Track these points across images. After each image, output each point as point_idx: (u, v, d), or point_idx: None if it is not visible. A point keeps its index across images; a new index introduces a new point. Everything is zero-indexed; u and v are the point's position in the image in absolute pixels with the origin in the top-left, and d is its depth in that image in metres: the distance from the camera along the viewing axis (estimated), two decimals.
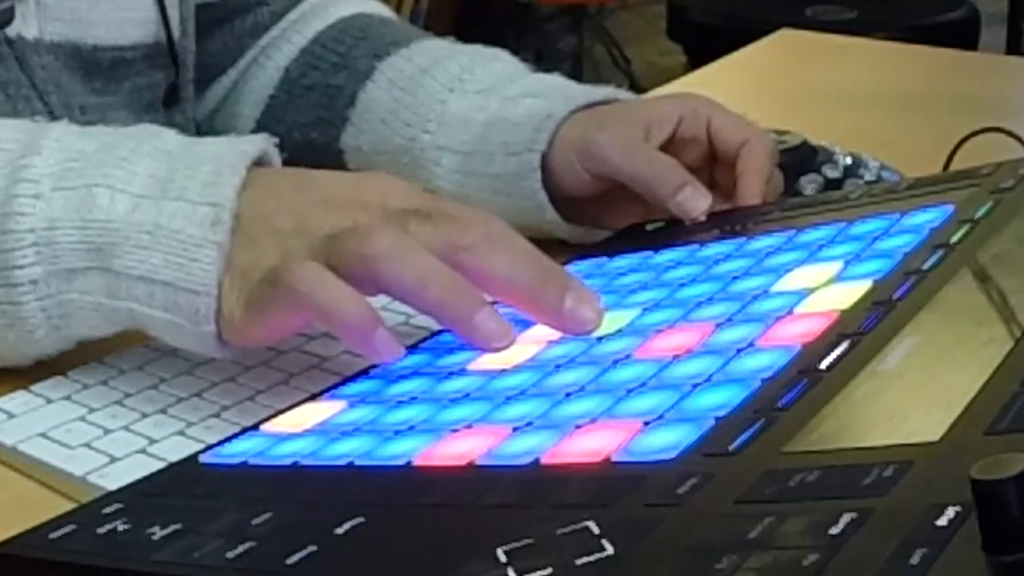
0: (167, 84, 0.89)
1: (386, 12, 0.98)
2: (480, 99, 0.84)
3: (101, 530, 0.49)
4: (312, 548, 0.43)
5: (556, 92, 0.83)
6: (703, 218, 0.76)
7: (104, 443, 0.60)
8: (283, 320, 0.60)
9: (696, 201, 0.76)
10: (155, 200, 0.62)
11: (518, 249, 0.61)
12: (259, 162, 0.64)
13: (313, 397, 0.61)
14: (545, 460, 0.47)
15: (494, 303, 0.61)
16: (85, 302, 0.63)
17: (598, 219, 0.82)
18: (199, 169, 0.62)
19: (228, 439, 0.58)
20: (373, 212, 0.60)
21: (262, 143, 0.65)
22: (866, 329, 0.51)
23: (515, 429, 0.50)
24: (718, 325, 0.56)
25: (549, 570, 0.38)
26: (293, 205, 0.61)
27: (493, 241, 0.60)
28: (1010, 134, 0.88)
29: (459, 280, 0.59)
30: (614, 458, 0.46)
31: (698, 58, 2.23)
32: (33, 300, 0.63)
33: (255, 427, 0.58)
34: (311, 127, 0.90)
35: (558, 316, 0.60)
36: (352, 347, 0.59)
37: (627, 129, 0.79)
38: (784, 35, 1.41)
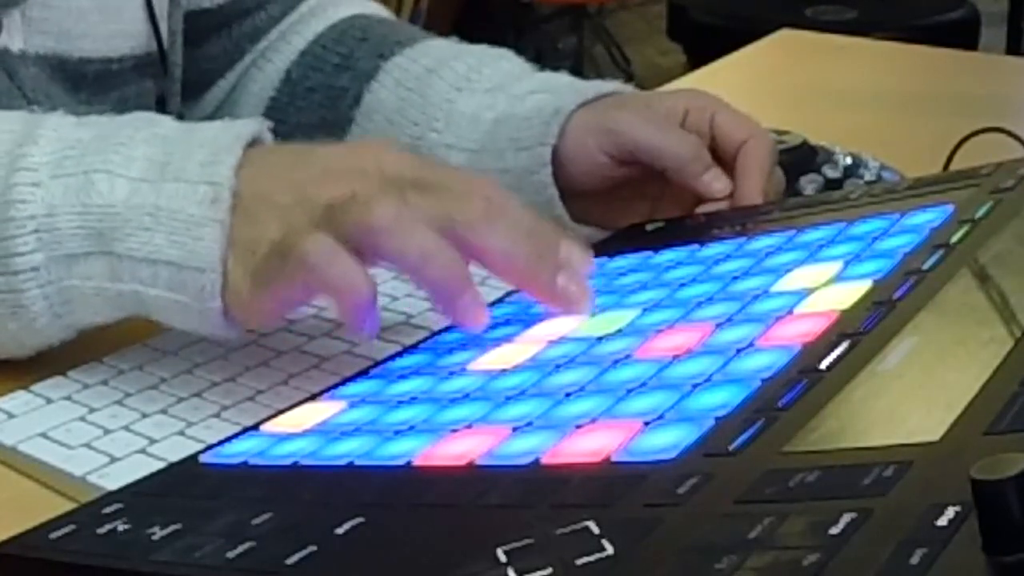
0: (159, 94, 0.89)
1: (384, 12, 0.98)
2: (488, 98, 0.84)
3: (101, 530, 0.49)
4: (312, 548, 0.43)
5: (565, 88, 0.84)
6: (724, 193, 0.77)
7: (104, 443, 0.60)
8: (291, 293, 0.60)
9: (722, 181, 0.78)
10: (153, 183, 0.62)
11: (516, 222, 0.62)
12: (254, 144, 0.64)
13: (313, 397, 0.61)
14: (545, 460, 0.47)
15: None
16: (87, 287, 0.63)
17: (603, 218, 0.82)
18: (196, 151, 0.63)
19: (228, 439, 0.58)
20: (371, 180, 0.60)
21: (257, 125, 0.65)
22: (866, 329, 0.51)
23: (515, 429, 0.50)
24: (718, 325, 0.56)
25: (549, 570, 0.38)
26: (291, 179, 0.61)
27: (491, 214, 0.61)
28: (1010, 134, 0.88)
29: (457, 259, 0.60)
30: (614, 458, 0.46)
31: (698, 58, 2.23)
32: (35, 287, 0.63)
33: (255, 427, 0.58)
34: (315, 128, 0.90)
35: (551, 295, 0.62)
36: (343, 317, 0.60)
37: (648, 110, 0.80)
38: (784, 35, 1.41)
